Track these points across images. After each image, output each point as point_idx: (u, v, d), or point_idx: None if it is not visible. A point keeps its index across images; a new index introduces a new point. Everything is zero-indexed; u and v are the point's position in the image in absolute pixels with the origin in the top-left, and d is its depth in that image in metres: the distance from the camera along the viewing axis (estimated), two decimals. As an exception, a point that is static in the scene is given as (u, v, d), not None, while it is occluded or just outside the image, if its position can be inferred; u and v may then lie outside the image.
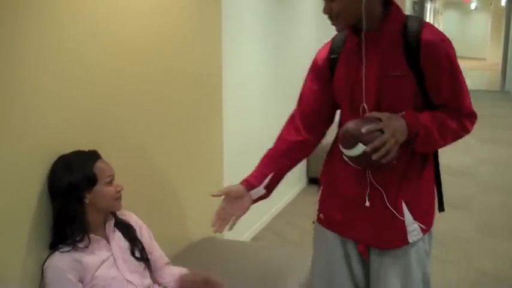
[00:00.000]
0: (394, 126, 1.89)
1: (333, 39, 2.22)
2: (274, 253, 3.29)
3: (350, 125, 1.96)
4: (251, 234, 4.73)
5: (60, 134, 2.22)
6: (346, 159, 2.02)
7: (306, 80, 2.34)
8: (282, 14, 5.24)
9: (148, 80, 2.85)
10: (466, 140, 2.40)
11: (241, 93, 4.35)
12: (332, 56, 2.19)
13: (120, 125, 2.64)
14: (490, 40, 23.30)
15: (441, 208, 2.23)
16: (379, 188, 2.06)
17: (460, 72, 2.03)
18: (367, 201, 2.08)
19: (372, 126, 1.89)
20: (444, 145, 2.08)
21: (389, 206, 2.05)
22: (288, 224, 5.12)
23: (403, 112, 1.96)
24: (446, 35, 2.03)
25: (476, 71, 19.64)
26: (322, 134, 2.39)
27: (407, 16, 2.05)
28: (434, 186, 2.19)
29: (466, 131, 2.09)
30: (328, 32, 6.34)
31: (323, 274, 2.29)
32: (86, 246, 2.11)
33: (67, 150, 2.19)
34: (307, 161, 6.27)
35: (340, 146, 2.02)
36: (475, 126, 2.14)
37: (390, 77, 1.99)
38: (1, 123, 1.94)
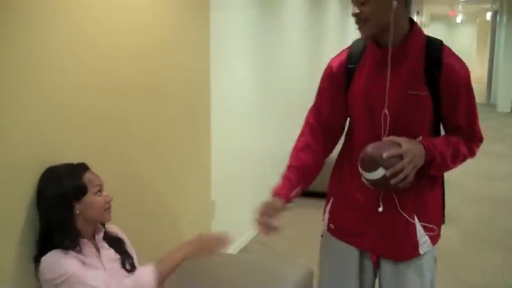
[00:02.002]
0: (414, 152, 1.95)
1: (350, 49, 2.22)
2: (262, 264, 3.28)
3: (370, 149, 1.99)
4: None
5: (48, 146, 2.21)
6: (364, 180, 2.04)
7: (320, 89, 2.33)
8: (270, 27, 5.27)
9: (137, 91, 2.86)
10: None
11: (229, 104, 4.37)
12: (349, 66, 2.18)
13: (108, 137, 2.64)
14: (476, 53, 23.51)
15: (442, 220, 2.29)
16: (393, 195, 2.11)
17: (474, 97, 2.11)
18: (381, 206, 2.11)
19: (392, 152, 1.94)
20: (452, 168, 2.15)
21: (402, 212, 2.11)
22: (276, 236, 5.10)
23: (421, 137, 2.02)
24: (462, 59, 2.09)
25: (462, 84, 19.73)
26: (334, 146, 2.42)
27: (426, 37, 2.09)
28: (442, 200, 2.26)
29: (473, 154, 2.18)
30: (316, 43, 6.35)
31: (333, 285, 2.32)
32: (79, 252, 2.10)
33: (55, 162, 2.19)
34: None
35: (360, 169, 2.03)
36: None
37: (410, 95, 2.03)
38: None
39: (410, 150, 1.94)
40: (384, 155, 1.92)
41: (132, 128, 2.83)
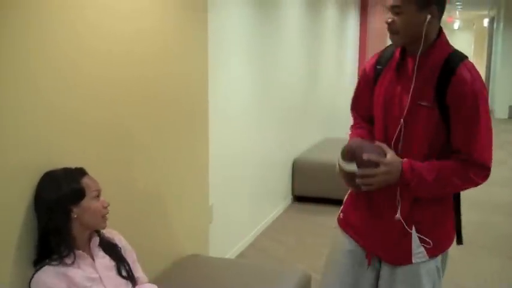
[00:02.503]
0: (391, 168, 2.03)
1: (382, 51, 2.31)
2: (259, 270, 3.29)
3: (357, 143, 2.13)
4: (236, 252, 4.72)
5: (45, 151, 2.22)
6: (338, 164, 2.16)
7: (357, 88, 2.43)
8: (268, 29, 5.28)
9: (134, 96, 2.86)
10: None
11: (227, 107, 4.38)
12: (378, 67, 2.27)
13: (106, 142, 2.64)
14: (473, 60, 23.56)
15: (459, 241, 2.29)
16: (396, 203, 2.15)
17: (484, 120, 2.02)
18: (398, 213, 2.14)
19: (373, 157, 2.03)
20: (448, 193, 2.18)
21: (402, 220, 2.14)
22: (273, 241, 5.12)
23: (405, 159, 2.06)
24: (482, 80, 2.05)
25: (459, 90, 19.77)
26: None
27: (454, 50, 2.09)
28: (452, 216, 2.25)
29: (473, 183, 2.10)
30: (313, 46, 6.36)
31: (335, 277, 2.35)
32: (73, 262, 2.10)
33: (52, 167, 2.19)
34: (292, 180, 6.29)
35: (340, 153, 2.15)
36: None
37: (418, 105, 2.07)
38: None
39: (389, 164, 2.03)
40: (364, 156, 2.02)
41: (129, 132, 2.84)
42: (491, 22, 17.90)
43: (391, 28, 2.07)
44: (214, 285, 3.04)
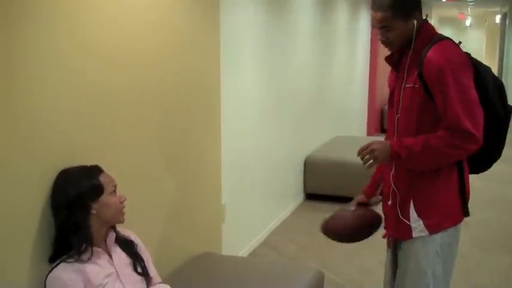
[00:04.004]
0: (377, 145, 2.30)
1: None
2: (272, 268, 3.30)
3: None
4: (248, 250, 4.74)
5: (61, 149, 2.24)
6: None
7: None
8: (281, 28, 5.29)
9: (148, 94, 2.88)
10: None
11: (240, 107, 4.39)
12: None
13: (120, 142, 2.66)
14: (485, 56, 23.42)
15: (466, 213, 2.45)
16: (395, 189, 2.41)
17: (454, 90, 2.20)
18: (390, 199, 2.45)
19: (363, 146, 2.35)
20: (440, 163, 2.32)
21: (398, 206, 2.39)
22: (285, 239, 5.13)
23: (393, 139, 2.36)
24: (456, 52, 2.26)
25: (471, 87, 19.62)
26: None
27: (437, 35, 2.34)
28: (453, 194, 2.38)
29: (463, 149, 2.24)
30: (326, 46, 6.36)
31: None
32: (89, 258, 2.13)
33: (68, 165, 2.22)
34: (304, 177, 6.30)
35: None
36: None
37: (406, 88, 2.32)
38: (2, 138, 1.97)
39: (373, 143, 2.32)
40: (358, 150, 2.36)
41: (142, 131, 2.86)
42: (503, 18, 17.77)
43: (386, 42, 2.36)
44: (227, 283, 3.06)
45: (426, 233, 2.35)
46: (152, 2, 2.89)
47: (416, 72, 2.27)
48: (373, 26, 2.39)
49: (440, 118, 2.24)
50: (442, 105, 2.21)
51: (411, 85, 2.29)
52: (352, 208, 2.58)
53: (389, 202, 2.44)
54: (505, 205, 6.32)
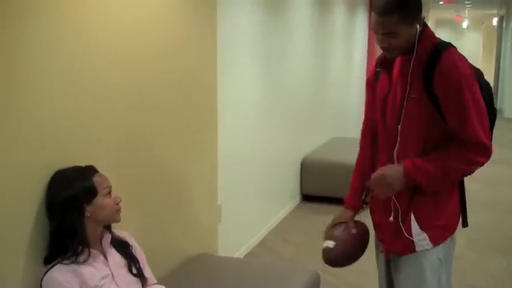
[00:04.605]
0: (385, 171, 2.19)
1: (382, 53, 2.37)
2: (268, 269, 3.30)
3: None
4: (245, 251, 4.73)
5: (56, 150, 2.24)
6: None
7: (365, 91, 2.55)
8: (277, 27, 5.29)
9: (143, 94, 2.88)
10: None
11: (236, 106, 4.39)
12: (377, 69, 2.38)
13: (116, 141, 2.66)
14: (482, 59, 23.46)
15: (464, 224, 2.39)
16: (397, 203, 2.28)
17: (471, 101, 2.09)
18: (391, 216, 2.30)
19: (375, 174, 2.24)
20: (455, 180, 2.25)
21: (400, 221, 2.27)
22: (282, 240, 5.13)
23: (404, 160, 2.19)
24: (466, 63, 2.14)
25: (468, 89, 19.59)
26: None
27: (439, 41, 2.19)
28: (454, 202, 2.31)
29: (475, 163, 2.16)
30: (323, 46, 6.33)
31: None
32: (85, 260, 2.12)
33: (63, 165, 2.22)
34: (301, 179, 6.30)
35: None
36: None
37: (410, 98, 2.17)
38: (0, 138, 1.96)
39: (381, 170, 2.21)
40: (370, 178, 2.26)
41: (137, 132, 2.85)
42: (500, 21, 17.81)
43: (388, 49, 2.19)
44: (223, 284, 3.06)
45: (430, 246, 2.26)
46: (148, 2, 2.88)
47: (421, 82, 2.14)
48: (374, 32, 2.18)
49: (450, 132, 2.15)
50: (458, 120, 2.10)
51: (417, 95, 2.16)
52: (354, 231, 2.46)
53: (391, 218, 2.29)
54: (500, 207, 6.33)
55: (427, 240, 2.25)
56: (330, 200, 5.99)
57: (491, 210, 6.16)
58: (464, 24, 23.46)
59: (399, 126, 2.21)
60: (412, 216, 2.25)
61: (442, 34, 26.21)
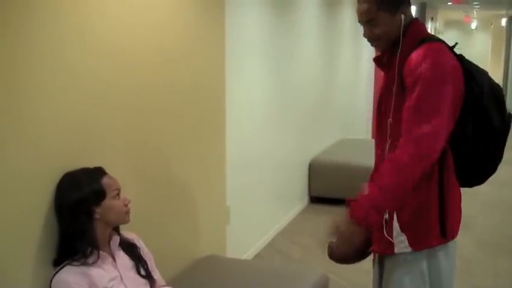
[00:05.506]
0: (334, 221, 2.11)
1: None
2: (276, 271, 3.30)
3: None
4: (253, 253, 4.73)
5: (65, 152, 2.25)
6: None
7: None
8: (285, 34, 5.29)
9: (154, 98, 2.89)
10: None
11: (245, 109, 4.39)
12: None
13: (124, 143, 2.67)
14: (491, 59, 23.36)
15: (442, 234, 2.17)
16: None
17: (423, 98, 1.98)
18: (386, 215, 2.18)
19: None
20: (413, 180, 2.02)
21: (384, 220, 2.15)
22: (290, 242, 5.12)
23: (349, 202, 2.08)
24: (443, 58, 2.03)
25: (477, 90, 19.51)
26: None
27: (427, 37, 2.13)
28: (435, 214, 2.15)
29: (406, 153, 1.98)
30: (331, 51, 6.32)
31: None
32: (94, 262, 2.13)
33: (71, 168, 2.22)
34: (309, 180, 6.30)
35: None
36: None
37: (396, 93, 2.12)
38: (6, 142, 1.98)
39: (333, 220, 2.12)
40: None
41: (146, 134, 2.86)
42: (509, 22, 17.73)
43: (372, 39, 2.18)
44: (232, 286, 3.06)
45: (409, 249, 2.15)
46: (156, 3, 2.89)
47: (397, 75, 2.10)
48: (358, 22, 2.18)
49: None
50: (406, 113, 2.02)
51: (394, 89, 2.11)
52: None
53: (386, 216, 2.16)
54: (507, 208, 6.30)
55: (406, 243, 2.15)
56: (338, 202, 5.98)
57: (498, 211, 6.13)
58: (473, 25, 23.37)
59: (389, 120, 2.13)
60: (395, 216, 2.15)
61: (451, 35, 26.11)
